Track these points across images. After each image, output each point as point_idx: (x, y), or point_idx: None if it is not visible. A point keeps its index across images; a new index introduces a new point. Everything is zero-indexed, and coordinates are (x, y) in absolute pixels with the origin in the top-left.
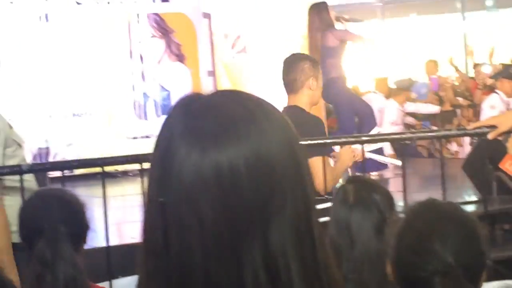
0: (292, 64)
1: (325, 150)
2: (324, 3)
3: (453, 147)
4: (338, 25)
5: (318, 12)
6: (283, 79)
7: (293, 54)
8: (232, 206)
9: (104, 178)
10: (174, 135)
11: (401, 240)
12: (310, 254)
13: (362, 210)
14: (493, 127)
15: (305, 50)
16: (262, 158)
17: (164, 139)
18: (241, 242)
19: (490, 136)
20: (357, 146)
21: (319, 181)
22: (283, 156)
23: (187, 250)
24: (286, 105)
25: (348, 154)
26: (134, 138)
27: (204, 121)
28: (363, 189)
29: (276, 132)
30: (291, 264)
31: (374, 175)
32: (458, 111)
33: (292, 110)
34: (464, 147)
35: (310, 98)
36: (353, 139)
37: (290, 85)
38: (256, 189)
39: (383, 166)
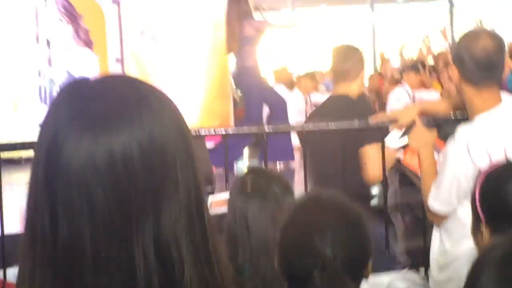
0: (348, 53)
1: (381, 136)
2: None
3: None
4: (256, 15)
5: (237, 1)
6: (337, 67)
7: (347, 44)
8: (124, 190)
9: (0, 164)
10: (63, 120)
11: (284, 234)
12: (201, 238)
13: (259, 200)
14: (394, 120)
15: (217, 39)
16: (156, 142)
17: (51, 124)
18: (132, 226)
19: (390, 129)
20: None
21: (373, 168)
22: (175, 140)
23: (76, 235)
24: (333, 93)
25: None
26: (40, 124)
27: (94, 105)
28: (261, 179)
29: (168, 117)
30: (182, 248)
31: (279, 164)
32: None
33: (345, 99)
34: None
35: (359, 88)
36: (255, 129)
37: (344, 74)
38: (149, 173)
39: (290, 156)
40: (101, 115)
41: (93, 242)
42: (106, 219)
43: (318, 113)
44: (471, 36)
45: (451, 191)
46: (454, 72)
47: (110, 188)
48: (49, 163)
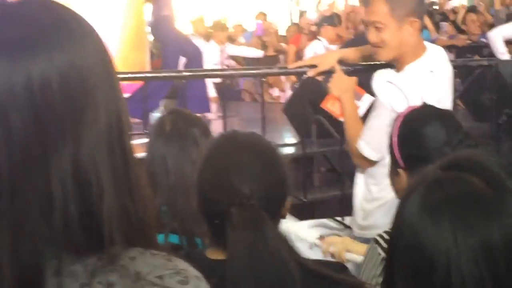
0: None
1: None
2: None
3: (275, 92)
4: None
5: None
6: None
7: None
8: (42, 116)
9: None
10: None
11: (201, 174)
12: (123, 168)
13: (178, 141)
14: (313, 66)
15: None
16: (76, 69)
17: None
18: (50, 154)
19: (309, 73)
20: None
21: None
22: (97, 68)
23: None
24: None
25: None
26: None
27: (12, 29)
28: (180, 121)
29: (90, 43)
30: (102, 176)
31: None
32: (282, 57)
33: None
34: (285, 92)
35: None
36: (174, 74)
37: None
38: (69, 100)
39: (206, 108)
40: (19, 39)
41: (10, 168)
42: (23, 144)
43: None
44: None
45: (383, 137)
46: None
47: (27, 114)
48: None
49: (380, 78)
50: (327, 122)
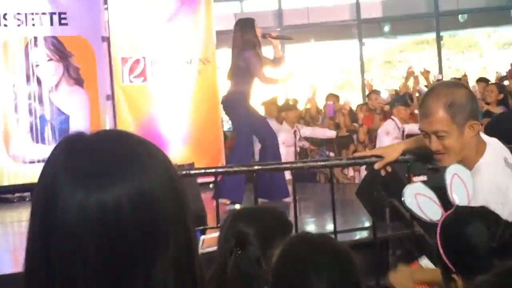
0: None
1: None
2: (250, 19)
3: (350, 172)
4: (265, 42)
5: (241, 30)
6: None
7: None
8: (115, 244)
9: None
10: (58, 173)
11: (277, 272)
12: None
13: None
14: (379, 157)
15: (205, 73)
16: (146, 196)
17: (48, 176)
18: (123, 278)
19: (376, 166)
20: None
21: None
22: (165, 193)
23: (69, 284)
24: None
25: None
26: (31, 162)
27: (88, 160)
28: (240, 221)
29: (158, 170)
30: None
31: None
32: (355, 136)
33: None
34: (360, 172)
35: None
36: (245, 168)
37: None
38: (140, 226)
39: (286, 194)
40: (93, 170)
41: None
42: (97, 272)
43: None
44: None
45: None
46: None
47: (101, 241)
48: (44, 216)
49: (452, 172)
50: (401, 205)
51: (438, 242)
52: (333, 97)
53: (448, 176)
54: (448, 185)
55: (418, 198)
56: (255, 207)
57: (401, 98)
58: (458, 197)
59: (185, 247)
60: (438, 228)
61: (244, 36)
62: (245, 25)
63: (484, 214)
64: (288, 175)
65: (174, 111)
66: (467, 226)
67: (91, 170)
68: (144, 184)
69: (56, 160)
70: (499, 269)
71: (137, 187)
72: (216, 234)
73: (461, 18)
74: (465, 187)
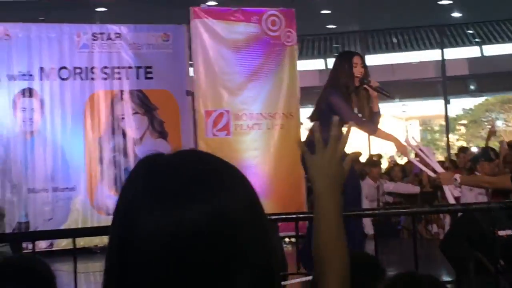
0: None
1: None
2: (350, 53)
3: (434, 228)
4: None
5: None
6: None
7: None
8: (194, 264)
9: (76, 250)
10: (137, 192)
11: None
12: None
13: None
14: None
15: (288, 127)
16: (226, 217)
17: (127, 195)
18: None
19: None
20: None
21: None
22: (246, 215)
23: None
24: None
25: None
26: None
27: (167, 179)
28: None
29: (239, 191)
30: None
31: None
32: (439, 193)
33: None
34: (444, 229)
35: None
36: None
37: None
38: (220, 247)
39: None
40: (171, 189)
41: None
42: None
43: None
44: None
45: None
46: None
47: (179, 262)
48: (121, 234)
49: None
50: (485, 258)
51: None
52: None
53: None
54: None
55: None
56: None
57: (485, 153)
58: None
59: (267, 273)
60: None
61: (335, 73)
62: (341, 58)
63: None
64: (370, 229)
65: (257, 165)
66: None
67: (170, 188)
68: (224, 204)
69: (134, 180)
70: None
71: (216, 206)
72: (297, 280)
73: None
74: None
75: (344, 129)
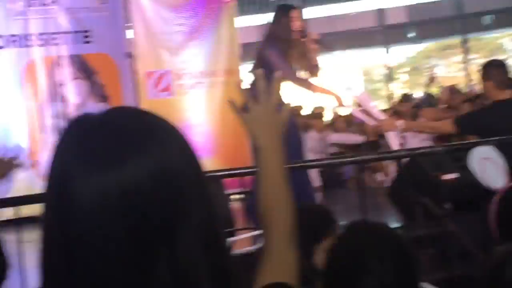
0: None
1: None
2: (286, 6)
3: (379, 176)
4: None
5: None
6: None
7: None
8: (137, 221)
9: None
10: (70, 158)
11: (334, 258)
12: (219, 262)
13: None
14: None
15: (229, 85)
16: (166, 173)
17: (58, 165)
18: (147, 256)
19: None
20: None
21: None
22: (185, 170)
23: (91, 271)
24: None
25: None
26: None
27: (99, 139)
28: None
29: (177, 147)
30: (200, 273)
31: None
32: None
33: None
34: (390, 176)
35: None
36: None
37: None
38: (161, 204)
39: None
40: (108, 149)
41: (109, 276)
42: (120, 252)
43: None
44: None
45: None
46: None
47: (123, 221)
48: (59, 205)
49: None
50: (432, 204)
51: (494, 208)
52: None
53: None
54: (479, 171)
55: (485, 162)
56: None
57: (427, 99)
58: (494, 180)
59: (209, 222)
60: (498, 195)
61: (273, 27)
62: (278, 12)
63: None
64: (318, 182)
65: (201, 124)
66: None
67: (104, 148)
68: (163, 159)
69: (65, 143)
70: None
71: (156, 162)
72: (245, 235)
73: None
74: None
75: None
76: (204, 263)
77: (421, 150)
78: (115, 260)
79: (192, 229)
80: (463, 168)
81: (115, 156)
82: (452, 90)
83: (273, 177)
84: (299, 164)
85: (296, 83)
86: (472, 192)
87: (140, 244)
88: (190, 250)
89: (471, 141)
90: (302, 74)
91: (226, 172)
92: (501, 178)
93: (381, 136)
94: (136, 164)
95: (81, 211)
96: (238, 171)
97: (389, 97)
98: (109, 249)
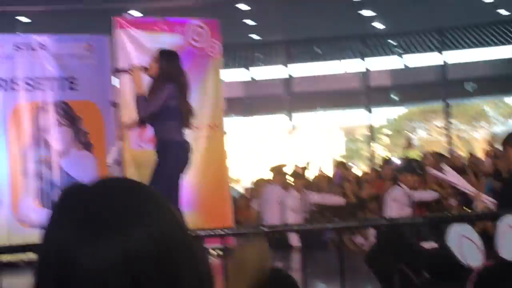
0: None
1: None
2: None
3: (359, 239)
4: None
5: None
6: None
7: None
8: (142, 286)
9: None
10: (70, 228)
11: None
12: None
13: None
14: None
15: (213, 138)
16: (165, 236)
17: (55, 237)
18: None
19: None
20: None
21: None
22: (180, 237)
23: None
24: None
25: None
26: (41, 228)
27: (101, 208)
28: None
29: (169, 210)
30: None
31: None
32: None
33: None
34: (369, 240)
35: None
36: (253, 230)
37: None
38: (162, 269)
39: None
40: (109, 217)
41: None
42: None
43: None
44: None
45: None
46: None
47: (128, 286)
48: (63, 272)
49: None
50: (411, 272)
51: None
52: (340, 163)
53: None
54: (457, 248)
55: (462, 240)
56: None
57: (407, 165)
58: (469, 258)
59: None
60: (474, 274)
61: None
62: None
63: None
64: (296, 241)
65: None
66: (504, 282)
67: (105, 217)
68: (161, 223)
69: (61, 217)
70: None
71: (155, 226)
72: None
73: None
74: (476, 245)
75: None
76: None
77: (401, 221)
78: None
79: None
80: (442, 238)
81: (118, 224)
82: (436, 155)
83: None
84: (279, 229)
85: None
86: (451, 262)
87: None
88: None
89: (450, 214)
90: None
91: (210, 233)
92: (478, 257)
93: (361, 198)
94: (139, 230)
95: (87, 279)
96: (221, 232)
97: (371, 157)
98: None
